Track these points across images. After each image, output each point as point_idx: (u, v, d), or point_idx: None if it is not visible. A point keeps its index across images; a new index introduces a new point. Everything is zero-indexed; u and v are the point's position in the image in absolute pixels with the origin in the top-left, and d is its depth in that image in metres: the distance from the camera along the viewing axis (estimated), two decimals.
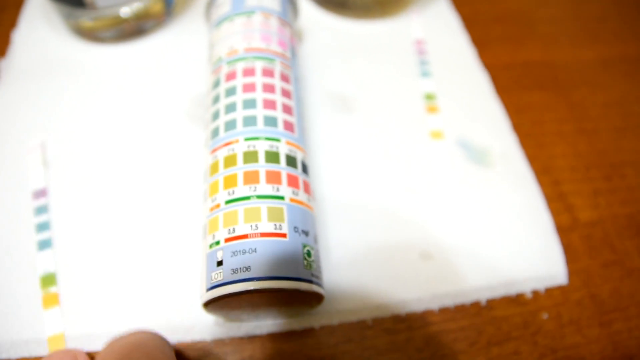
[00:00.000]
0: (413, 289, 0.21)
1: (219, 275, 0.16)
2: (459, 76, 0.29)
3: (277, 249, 0.16)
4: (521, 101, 0.29)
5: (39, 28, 0.29)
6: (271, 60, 0.21)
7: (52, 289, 0.20)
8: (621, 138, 0.28)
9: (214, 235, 0.17)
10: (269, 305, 0.18)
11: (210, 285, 0.16)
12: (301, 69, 0.28)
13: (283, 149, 0.19)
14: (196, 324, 0.20)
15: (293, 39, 0.24)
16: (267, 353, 0.20)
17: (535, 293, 0.22)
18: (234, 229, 0.17)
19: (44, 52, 0.28)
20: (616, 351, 0.21)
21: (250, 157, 0.18)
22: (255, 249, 0.16)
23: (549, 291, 0.22)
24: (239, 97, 0.20)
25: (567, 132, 0.28)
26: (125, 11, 0.26)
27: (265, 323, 0.20)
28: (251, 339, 0.20)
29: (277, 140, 0.19)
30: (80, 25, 0.27)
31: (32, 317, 0.19)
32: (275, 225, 0.17)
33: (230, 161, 0.18)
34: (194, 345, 0.19)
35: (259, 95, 0.20)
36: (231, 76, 0.21)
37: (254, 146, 0.18)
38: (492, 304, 0.22)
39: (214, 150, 0.19)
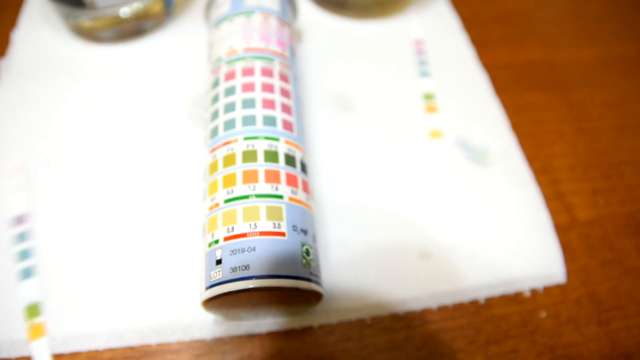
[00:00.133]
0: (412, 287, 0.21)
1: (218, 273, 0.16)
2: (458, 76, 0.29)
3: (276, 248, 0.16)
4: (520, 101, 0.29)
5: (38, 28, 0.29)
6: (270, 60, 0.21)
7: (38, 320, 0.19)
8: (620, 138, 0.28)
9: (213, 234, 0.17)
10: (268, 303, 0.18)
11: (209, 284, 0.16)
12: (300, 69, 0.28)
13: (282, 148, 0.19)
14: (195, 323, 0.20)
15: (292, 39, 0.24)
16: (267, 352, 0.20)
17: (534, 292, 0.22)
18: (233, 228, 0.17)
19: (43, 52, 0.28)
20: (614, 349, 0.21)
21: (249, 156, 0.18)
22: (254, 247, 0.16)
23: (548, 290, 0.22)
24: (238, 97, 0.20)
25: (566, 132, 0.28)
26: (124, 11, 0.26)
27: (265, 322, 0.20)
28: (250, 337, 0.20)
29: (276, 139, 0.19)
30: (80, 25, 0.27)
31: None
32: (274, 224, 0.17)
33: (229, 160, 0.18)
34: (194, 344, 0.20)
35: (258, 95, 0.20)
36: (230, 76, 0.21)
37: (253, 145, 0.19)
38: (490, 302, 0.22)
39: (213, 150, 0.19)
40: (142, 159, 0.24)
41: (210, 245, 0.17)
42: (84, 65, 0.27)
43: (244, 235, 0.16)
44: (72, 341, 0.19)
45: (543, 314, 0.22)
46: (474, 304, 0.22)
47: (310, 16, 0.31)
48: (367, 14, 0.31)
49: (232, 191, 0.17)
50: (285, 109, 0.20)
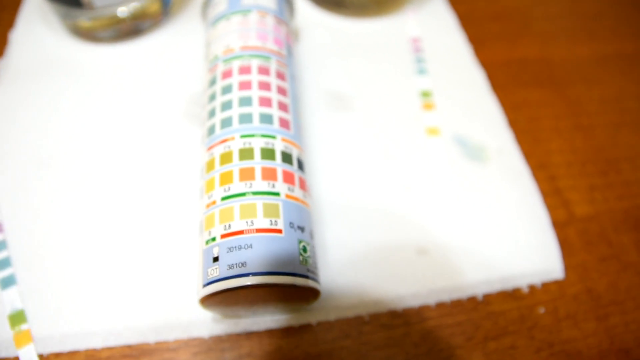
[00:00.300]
0: (410, 284, 0.21)
1: (215, 271, 0.16)
2: (455, 73, 0.29)
3: (273, 245, 0.16)
4: (517, 98, 0.29)
5: (36, 28, 0.29)
6: (267, 58, 0.21)
7: (23, 327, 0.19)
8: (617, 134, 0.28)
9: (210, 232, 0.17)
10: (266, 301, 0.18)
11: (206, 282, 0.16)
12: (298, 68, 0.28)
13: (279, 146, 0.19)
14: (194, 321, 0.20)
15: (289, 37, 0.24)
16: (265, 349, 0.20)
17: (532, 288, 0.22)
18: (229, 225, 0.17)
19: (41, 52, 0.28)
20: (613, 345, 0.21)
21: (246, 154, 0.18)
22: (251, 244, 0.16)
23: (546, 286, 0.22)
24: (235, 95, 0.20)
25: (563, 128, 0.28)
26: (122, 11, 0.27)
27: (263, 319, 0.20)
28: (249, 335, 0.20)
29: (273, 137, 0.19)
30: (78, 25, 0.27)
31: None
32: (270, 221, 0.17)
33: (226, 158, 0.18)
34: (192, 342, 0.20)
35: (255, 93, 0.20)
36: (227, 74, 0.21)
37: (250, 143, 0.19)
38: (488, 298, 0.22)
39: (210, 148, 0.19)
40: (140, 157, 0.24)
41: (207, 242, 0.17)
42: (81, 65, 0.27)
43: (240, 232, 0.16)
44: (70, 340, 0.19)
45: (541, 310, 0.22)
46: (472, 300, 0.22)
47: (308, 15, 0.31)
48: (364, 12, 0.31)
49: (229, 189, 0.18)
50: (282, 106, 0.20)
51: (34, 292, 0.20)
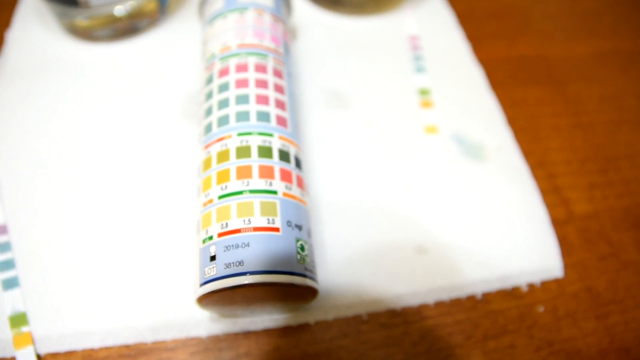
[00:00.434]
0: (409, 283, 0.21)
1: (212, 270, 0.16)
2: (453, 71, 0.29)
3: (270, 243, 0.16)
4: (516, 96, 0.29)
5: (32, 27, 0.29)
6: (264, 56, 0.21)
7: (24, 329, 0.19)
8: (617, 131, 0.28)
9: (207, 230, 0.17)
10: (263, 300, 0.18)
11: (203, 281, 0.16)
12: (295, 66, 0.28)
13: (276, 144, 0.19)
14: (191, 321, 0.20)
15: (286, 35, 0.24)
16: (263, 349, 0.20)
17: (531, 286, 0.22)
18: (226, 224, 0.17)
19: (38, 52, 0.28)
20: (612, 344, 0.21)
21: (243, 152, 0.18)
22: (248, 243, 0.16)
23: (545, 284, 0.22)
24: (232, 93, 0.20)
25: (562, 126, 0.28)
26: (119, 10, 0.26)
27: (261, 319, 0.20)
28: (246, 334, 0.20)
29: (270, 135, 0.19)
30: (74, 24, 0.27)
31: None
32: (268, 219, 0.17)
33: (223, 156, 0.18)
34: (189, 341, 0.19)
35: (252, 91, 0.20)
36: (224, 72, 0.21)
37: (247, 141, 0.18)
38: (487, 297, 0.22)
39: (207, 146, 0.19)
40: (137, 156, 0.24)
41: (204, 241, 0.17)
42: (78, 64, 0.27)
43: (238, 231, 0.16)
44: (68, 340, 0.19)
45: (541, 309, 0.22)
46: (471, 299, 0.21)
47: (305, 13, 0.31)
48: (362, 10, 0.31)
49: (226, 187, 0.17)
50: (279, 104, 0.20)
51: (31, 292, 0.20)
